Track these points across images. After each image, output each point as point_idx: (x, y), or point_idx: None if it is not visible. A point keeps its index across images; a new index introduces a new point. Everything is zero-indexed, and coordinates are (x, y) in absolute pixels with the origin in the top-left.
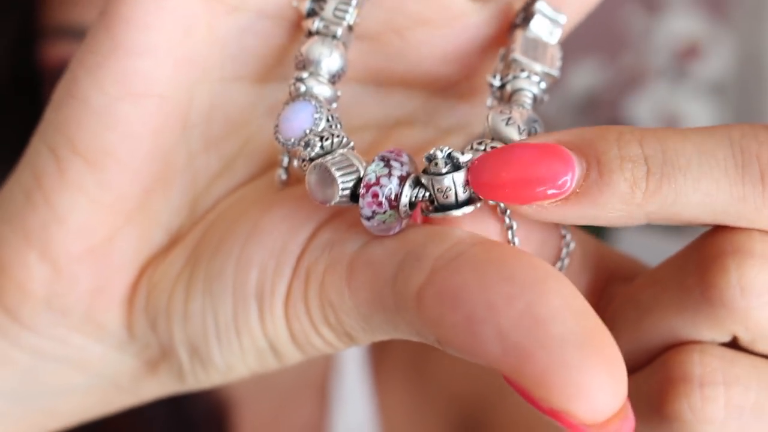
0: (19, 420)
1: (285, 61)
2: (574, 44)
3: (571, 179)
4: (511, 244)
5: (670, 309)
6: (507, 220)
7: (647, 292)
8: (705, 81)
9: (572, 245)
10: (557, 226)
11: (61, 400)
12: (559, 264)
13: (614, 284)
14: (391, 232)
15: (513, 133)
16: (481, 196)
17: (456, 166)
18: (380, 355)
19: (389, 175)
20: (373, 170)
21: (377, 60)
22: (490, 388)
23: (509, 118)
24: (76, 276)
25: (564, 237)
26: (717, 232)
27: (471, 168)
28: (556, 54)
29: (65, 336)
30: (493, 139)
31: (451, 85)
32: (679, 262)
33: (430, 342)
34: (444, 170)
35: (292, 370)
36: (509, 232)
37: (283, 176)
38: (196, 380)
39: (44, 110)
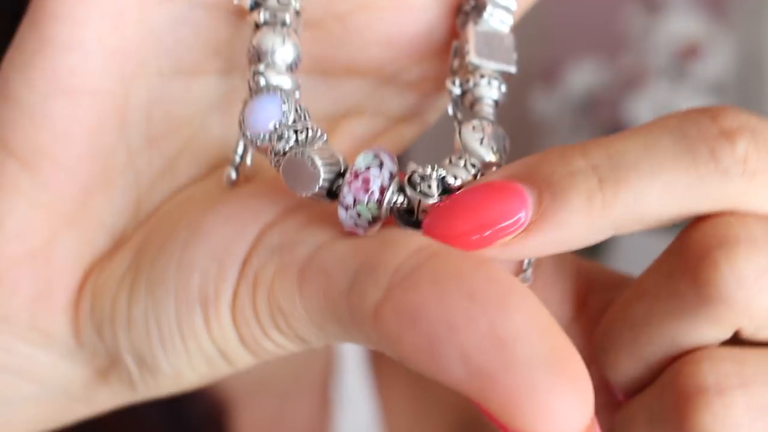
0: None
1: (226, 54)
2: (573, 44)
3: (526, 211)
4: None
5: (668, 319)
6: None
7: (638, 307)
8: (705, 81)
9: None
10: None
11: (12, 411)
12: (521, 276)
13: (594, 294)
14: (360, 231)
15: (487, 154)
16: None
17: (446, 191)
18: (381, 355)
19: (380, 166)
20: (363, 160)
21: (320, 48)
22: None
23: (482, 138)
24: (16, 281)
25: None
26: (695, 227)
27: (425, 222)
28: (510, 45)
29: (10, 344)
30: (470, 156)
31: (399, 72)
32: (664, 268)
33: (388, 354)
34: (436, 193)
35: (290, 370)
36: None
37: (233, 175)
38: (147, 388)
39: None
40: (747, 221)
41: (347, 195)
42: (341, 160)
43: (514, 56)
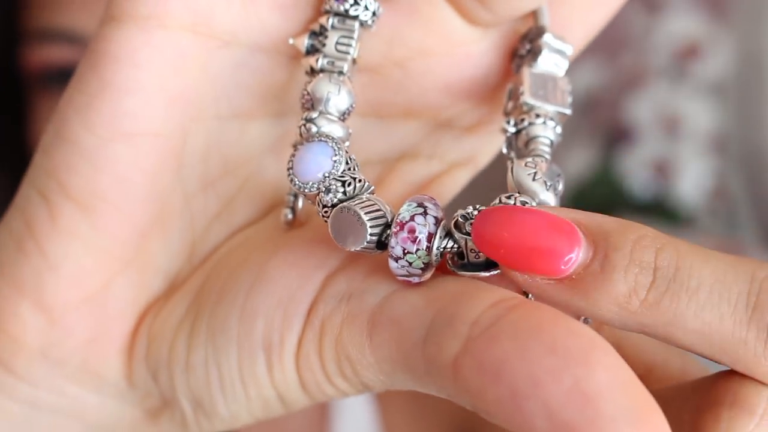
0: None
1: (283, 97)
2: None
3: (571, 261)
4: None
5: None
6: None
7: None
8: (705, 81)
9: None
10: None
11: None
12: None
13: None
14: (415, 280)
15: (539, 189)
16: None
17: None
18: None
19: (425, 214)
20: (406, 210)
21: (378, 92)
22: None
23: (535, 173)
24: (71, 325)
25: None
26: (729, 375)
27: (475, 218)
28: (566, 87)
29: (61, 386)
30: (520, 193)
31: (455, 117)
32: (686, 392)
33: (463, 405)
34: None
35: None
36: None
37: (290, 216)
38: (200, 429)
39: (26, 115)
40: None
41: (395, 247)
42: (388, 211)
43: (569, 99)
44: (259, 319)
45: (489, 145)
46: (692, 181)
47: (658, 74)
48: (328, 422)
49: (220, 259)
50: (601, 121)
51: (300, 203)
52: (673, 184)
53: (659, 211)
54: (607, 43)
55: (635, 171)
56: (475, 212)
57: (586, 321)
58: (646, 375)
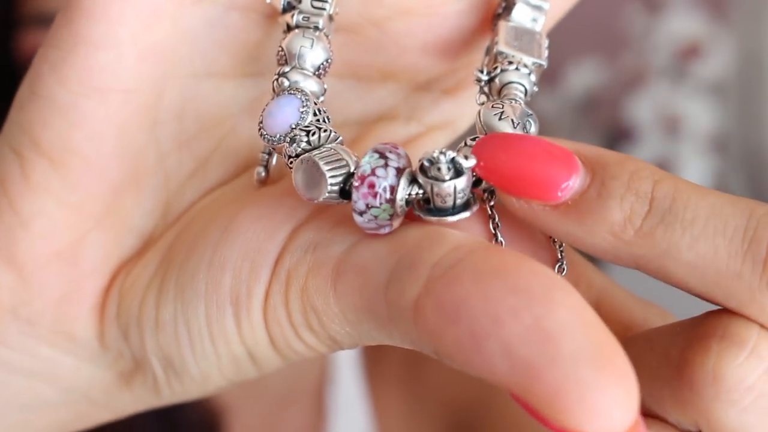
0: None
1: (259, 57)
2: (574, 44)
3: (568, 188)
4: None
5: (646, 372)
6: (491, 225)
7: (636, 348)
8: (705, 81)
9: (564, 257)
10: (548, 240)
11: (33, 415)
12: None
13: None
14: (383, 231)
15: (506, 128)
16: (479, 177)
17: (458, 172)
18: (375, 362)
19: (385, 166)
20: (367, 162)
21: (356, 53)
22: (483, 392)
23: (502, 113)
24: (43, 282)
25: (559, 249)
26: (719, 312)
27: (475, 144)
28: (543, 42)
29: (34, 348)
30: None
31: (434, 79)
32: (674, 330)
33: (426, 352)
34: (447, 177)
35: (285, 377)
36: (495, 236)
37: (262, 173)
38: (172, 392)
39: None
40: (766, 337)
41: (358, 201)
42: (352, 160)
43: (546, 52)
44: (227, 271)
45: (468, 108)
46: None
47: (658, 74)
48: (325, 423)
49: (192, 217)
50: (601, 121)
51: (274, 160)
52: None
53: None
54: (607, 43)
55: None
56: (441, 156)
57: (560, 270)
58: (626, 332)
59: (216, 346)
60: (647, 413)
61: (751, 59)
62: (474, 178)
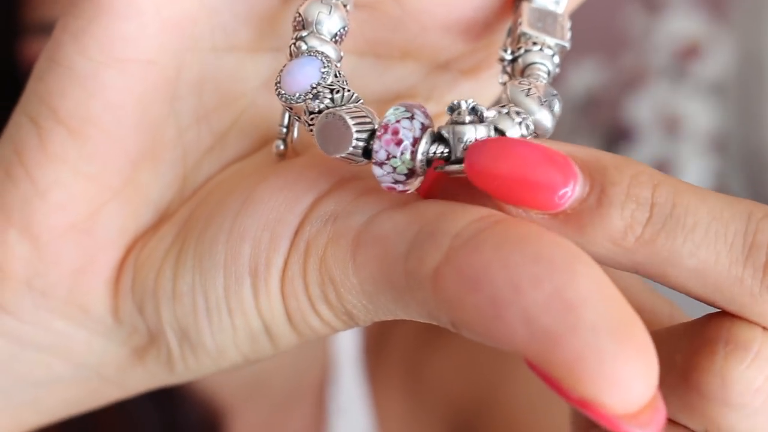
0: (0, 413)
1: (279, 31)
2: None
3: (566, 196)
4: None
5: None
6: None
7: None
8: (705, 81)
9: None
10: None
11: (44, 392)
12: None
13: None
14: (399, 188)
15: (533, 105)
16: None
17: (480, 119)
18: (376, 363)
19: (411, 119)
20: (393, 113)
21: (376, 30)
22: (484, 393)
23: (529, 89)
24: (58, 254)
25: None
26: (722, 315)
27: (468, 149)
28: (566, 24)
29: (47, 320)
30: (514, 105)
31: (453, 59)
32: (678, 333)
33: (442, 324)
34: (468, 120)
35: (286, 378)
36: None
37: (281, 146)
38: (186, 367)
39: None
40: (767, 338)
41: (379, 150)
42: (376, 119)
43: (569, 34)
44: (246, 241)
45: (487, 89)
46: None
47: (658, 74)
48: (326, 424)
49: (210, 190)
50: (601, 121)
51: (295, 133)
52: None
53: None
54: (607, 43)
55: None
56: (463, 102)
57: None
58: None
59: (233, 318)
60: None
61: (750, 59)
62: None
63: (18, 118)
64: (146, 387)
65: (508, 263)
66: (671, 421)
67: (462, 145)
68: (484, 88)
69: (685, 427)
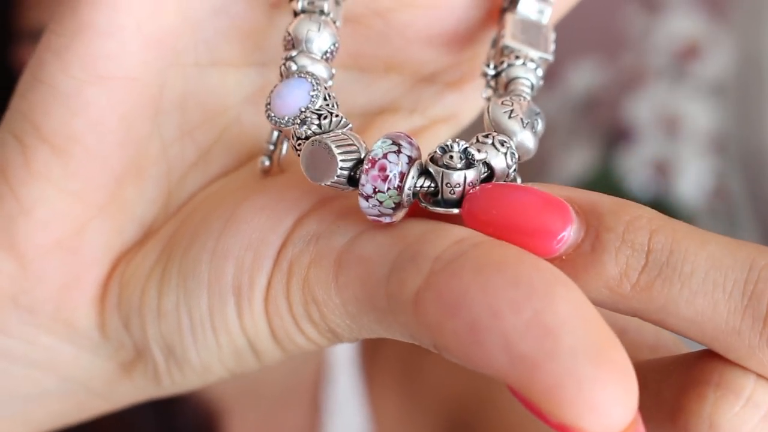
0: None
1: (263, 46)
2: (573, 44)
3: (562, 241)
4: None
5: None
6: None
7: None
8: (705, 81)
9: None
10: None
11: (32, 406)
12: None
13: None
14: (385, 220)
15: (515, 127)
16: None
17: (470, 163)
18: (371, 362)
19: (398, 153)
20: (380, 146)
21: (360, 44)
22: (480, 391)
23: (511, 111)
24: (43, 271)
25: None
26: (714, 355)
27: (466, 198)
28: (550, 35)
29: (34, 336)
30: (497, 133)
31: (438, 72)
32: (668, 368)
33: (425, 346)
34: (458, 165)
35: (281, 377)
36: None
37: (266, 163)
38: (172, 382)
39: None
40: (762, 385)
41: (366, 184)
42: (362, 147)
43: (552, 46)
44: (230, 261)
45: (472, 101)
46: (692, 181)
47: (658, 74)
48: (321, 423)
49: (194, 207)
50: (601, 121)
51: (284, 149)
52: (673, 184)
53: (659, 211)
54: (607, 43)
55: (635, 171)
56: (454, 144)
57: None
58: (620, 337)
59: (218, 336)
60: None
61: (750, 59)
62: (484, 175)
63: (2, 135)
64: (133, 400)
65: (487, 288)
66: None
67: (450, 189)
68: (468, 100)
69: None
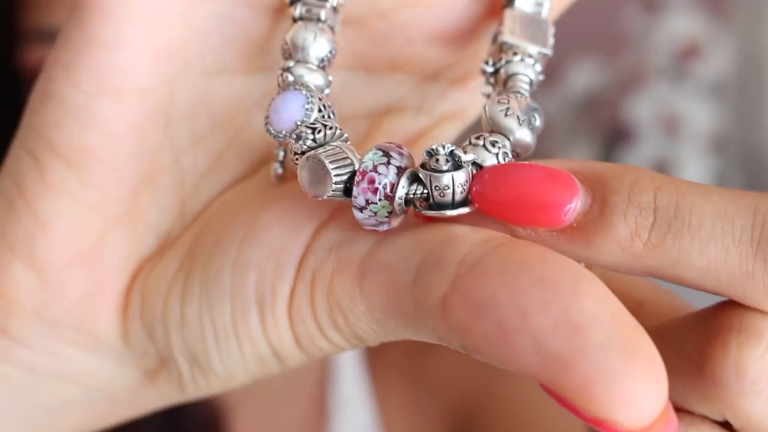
0: None
1: (269, 51)
2: (574, 44)
3: (571, 210)
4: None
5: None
6: None
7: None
8: (705, 81)
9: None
10: None
11: (57, 416)
12: None
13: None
14: (382, 228)
15: (512, 124)
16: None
17: (457, 165)
18: (376, 357)
19: (387, 164)
20: (370, 159)
21: (363, 45)
22: (485, 388)
23: (507, 108)
24: (64, 285)
25: None
26: (731, 304)
27: (473, 178)
28: (549, 30)
29: (57, 348)
30: (492, 132)
31: (442, 69)
32: (688, 324)
33: (453, 347)
34: (444, 167)
35: (286, 375)
36: None
37: (279, 170)
38: (197, 388)
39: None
40: None
41: (358, 197)
42: (356, 159)
43: (551, 41)
44: (251, 270)
45: (477, 97)
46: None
47: (658, 74)
48: (327, 418)
49: (212, 215)
50: (601, 121)
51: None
52: None
53: None
54: (608, 43)
55: None
56: (441, 148)
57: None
58: (637, 310)
59: (241, 346)
60: (673, 407)
61: (750, 59)
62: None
63: (16, 151)
64: (158, 406)
65: (513, 288)
66: (689, 413)
67: (439, 192)
68: (473, 96)
69: (703, 416)
